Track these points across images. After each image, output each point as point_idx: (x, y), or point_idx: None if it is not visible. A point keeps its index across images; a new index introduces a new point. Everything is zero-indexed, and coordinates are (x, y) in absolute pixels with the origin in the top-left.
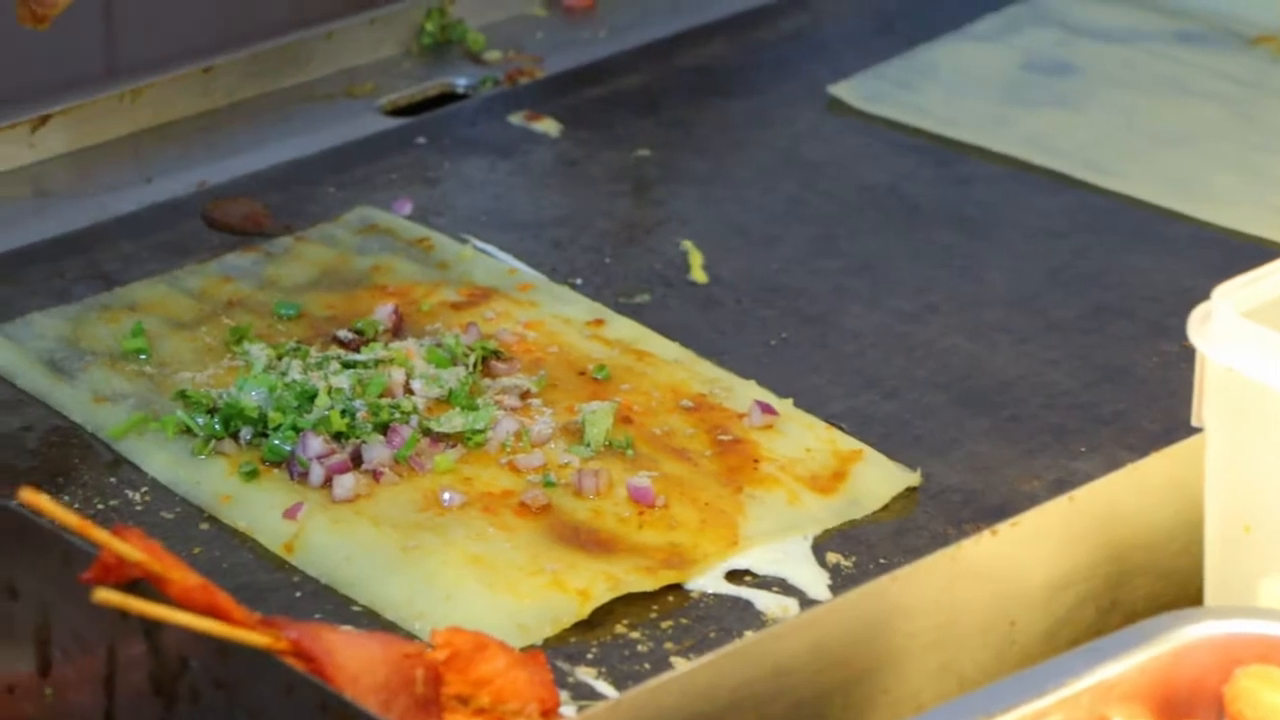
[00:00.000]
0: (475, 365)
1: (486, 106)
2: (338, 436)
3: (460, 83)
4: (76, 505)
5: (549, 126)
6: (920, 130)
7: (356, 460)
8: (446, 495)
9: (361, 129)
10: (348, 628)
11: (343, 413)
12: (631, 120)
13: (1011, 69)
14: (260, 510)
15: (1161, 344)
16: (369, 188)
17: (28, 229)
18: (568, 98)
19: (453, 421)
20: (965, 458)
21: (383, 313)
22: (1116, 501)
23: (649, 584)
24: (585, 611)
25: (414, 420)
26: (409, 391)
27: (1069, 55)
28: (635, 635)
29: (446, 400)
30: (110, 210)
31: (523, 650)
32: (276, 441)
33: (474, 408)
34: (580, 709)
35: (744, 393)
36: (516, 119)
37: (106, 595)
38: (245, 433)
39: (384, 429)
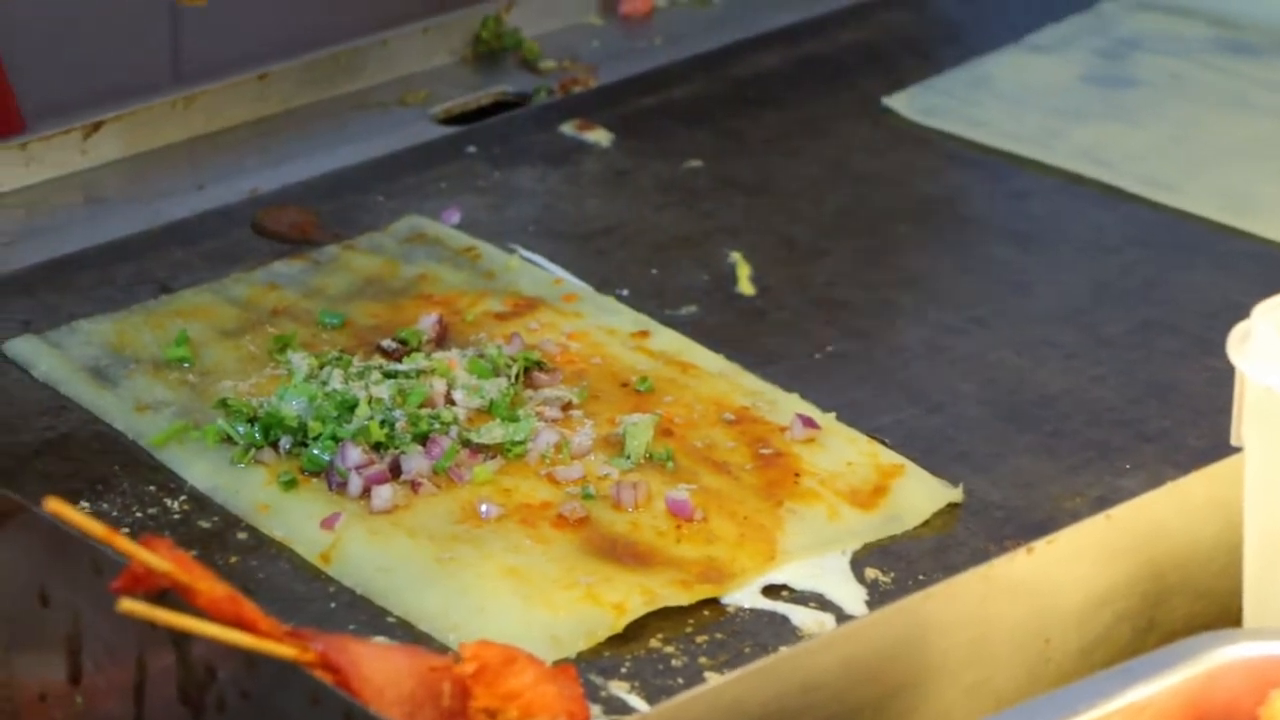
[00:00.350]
0: (517, 376)
1: (539, 115)
2: (377, 447)
3: (514, 91)
4: (115, 513)
5: (600, 136)
6: (974, 143)
7: (395, 471)
8: (484, 507)
9: (413, 137)
10: (382, 638)
11: (382, 423)
12: (683, 130)
13: (1069, 81)
14: (298, 520)
15: (1210, 360)
16: (418, 196)
17: (79, 235)
18: (620, 107)
19: (492, 433)
20: (1008, 474)
21: (426, 322)
22: (1156, 520)
23: (685, 598)
24: (620, 625)
25: (453, 431)
26: (450, 402)
27: (1127, 68)
28: (670, 650)
29: (488, 411)
30: (162, 217)
31: (554, 664)
32: (316, 451)
33: (515, 419)
34: None
35: (787, 406)
36: (568, 128)
37: (131, 606)
38: (285, 442)
39: (423, 439)
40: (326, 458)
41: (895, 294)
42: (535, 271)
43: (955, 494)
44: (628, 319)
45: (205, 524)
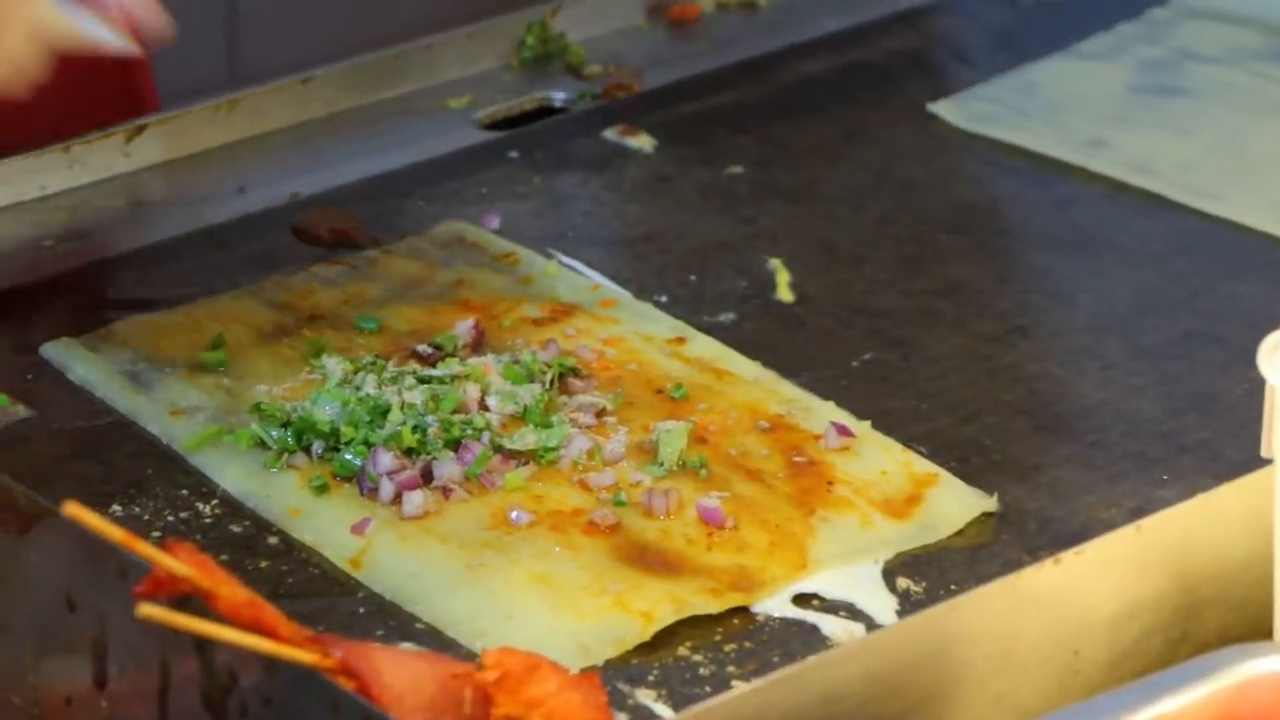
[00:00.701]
0: (552, 382)
1: (581, 121)
2: (409, 452)
3: (558, 97)
4: (147, 517)
5: (643, 142)
6: (1020, 150)
7: (427, 476)
8: (515, 514)
9: (455, 142)
10: (410, 644)
11: (415, 428)
12: (727, 136)
13: (1117, 89)
14: (328, 524)
15: (1251, 372)
16: (459, 201)
17: (120, 237)
18: (664, 113)
19: (525, 439)
20: (1045, 484)
21: (463, 328)
22: (1187, 531)
23: (714, 606)
24: (648, 633)
25: (486, 437)
26: (484, 408)
27: (1176, 76)
28: (698, 658)
29: (521, 417)
30: (202, 220)
31: (581, 671)
32: (348, 456)
33: (548, 425)
34: None
35: (822, 414)
36: (611, 134)
37: (150, 610)
38: (318, 447)
39: (455, 445)
40: (358, 463)
41: (935, 302)
42: (573, 277)
43: (990, 503)
44: (664, 325)
45: (236, 528)
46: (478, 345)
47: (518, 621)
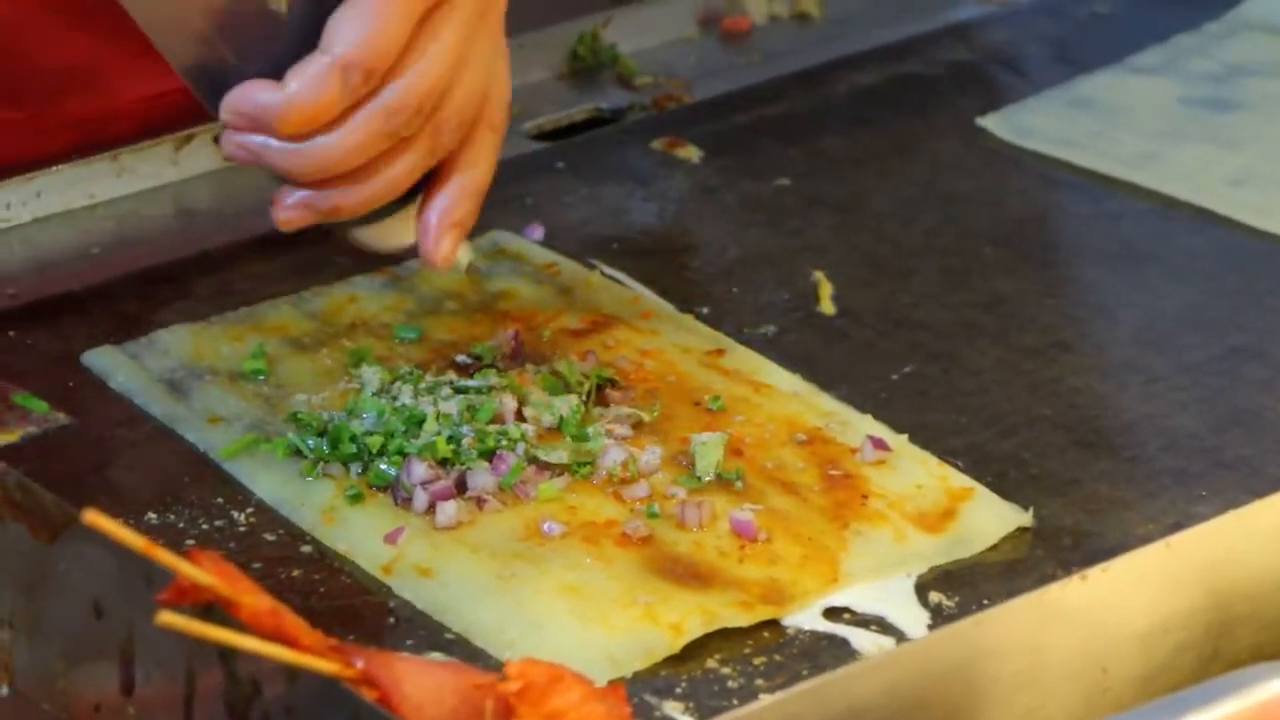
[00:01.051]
0: (590, 394)
1: (630, 132)
2: (444, 463)
3: (607, 107)
4: (181, 524)
5: (690, 153)
6: (1069, 164)
7: (461, 487)
8: (547, 525)
9: (503, 153)
10: (438, 654)
11: (449, 439)
12: (774, 148)
13: (1169, 103)
14: (361, 534)
15: None
16: (503, 212)
17: (166, 247)
18: (712, 124)
19: (560, 450)
20: (1082, 499)
21: (502, 338)
22: (1220, 548)
23: (744, 619)
24: (677, 646)
25: (520, 448)
26: (520, 419)
27: (1229, 90)
28: (727, 671)
29: (557, 428)
30: (247, 230)
31: (607, 683)
32: (382, 466)
33: (584, 437)
34: None
35: (860, 427)
36: (658, 145)
37: (170, 618)
38: (352, 457)
39: (490, 456)
40: (393, 473)
41: (978, 316)
42: (615, 288)
43: (1025, 518)
44: (704, 337)
45: (270, 536)
46: (517, 356)
47: (546, 632)
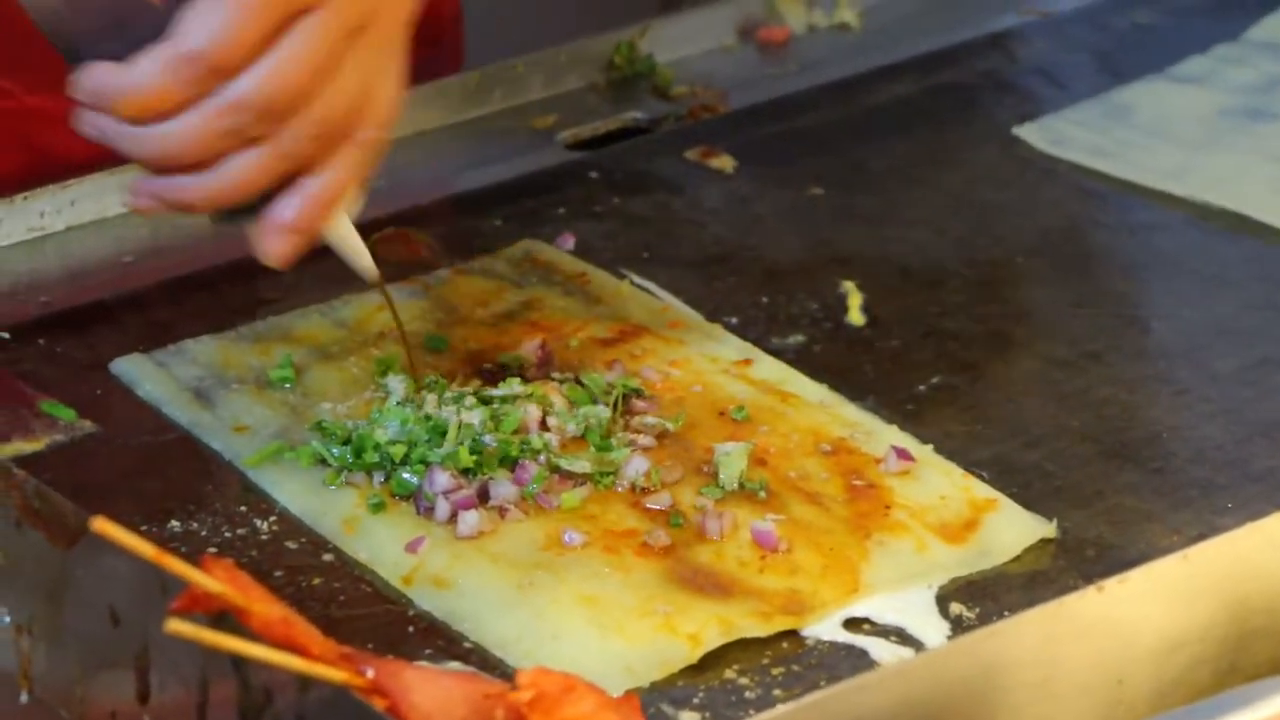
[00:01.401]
0: (615, 404)
1: (664, 141)
2: (466, 472)
3: (643, 117)
4: (204, 533)
5: (724, 163)
6: (1104, 174)
7: (483, 497)
8: (568, 535)
9: (536, 162)
10: (456, 664)
11: (472, 448)
12: (808, 158)
13: (1207, 113)
14: (382, 542)
15: None
16: (536, 221)
17: (199, 255)
18: (747, 134)
19: (583, 460)
20: (1106, 511)
21: (529, 347)
22: (1238, 560)
23: (762, 629)
24: (695, 656)
25: (543, 458)
26: (545, 428)
27: (1269, 100)
28: (744, 681)
29: (582, 438)
30: None
31: (623, 693)
32: (405, 475)
33: (608, 447)
34: None
35: (885, 437)
36: (692, 155)
37: (178, 626)
38: (375, 465)
39: (513, 466)
40: (415, 482)
41: (1007, 326)
42: (644, 298)
43: (1048, 529)
44: (732, 347)
45: (293, 545)
46: (544, 365)
47: (564, 642)
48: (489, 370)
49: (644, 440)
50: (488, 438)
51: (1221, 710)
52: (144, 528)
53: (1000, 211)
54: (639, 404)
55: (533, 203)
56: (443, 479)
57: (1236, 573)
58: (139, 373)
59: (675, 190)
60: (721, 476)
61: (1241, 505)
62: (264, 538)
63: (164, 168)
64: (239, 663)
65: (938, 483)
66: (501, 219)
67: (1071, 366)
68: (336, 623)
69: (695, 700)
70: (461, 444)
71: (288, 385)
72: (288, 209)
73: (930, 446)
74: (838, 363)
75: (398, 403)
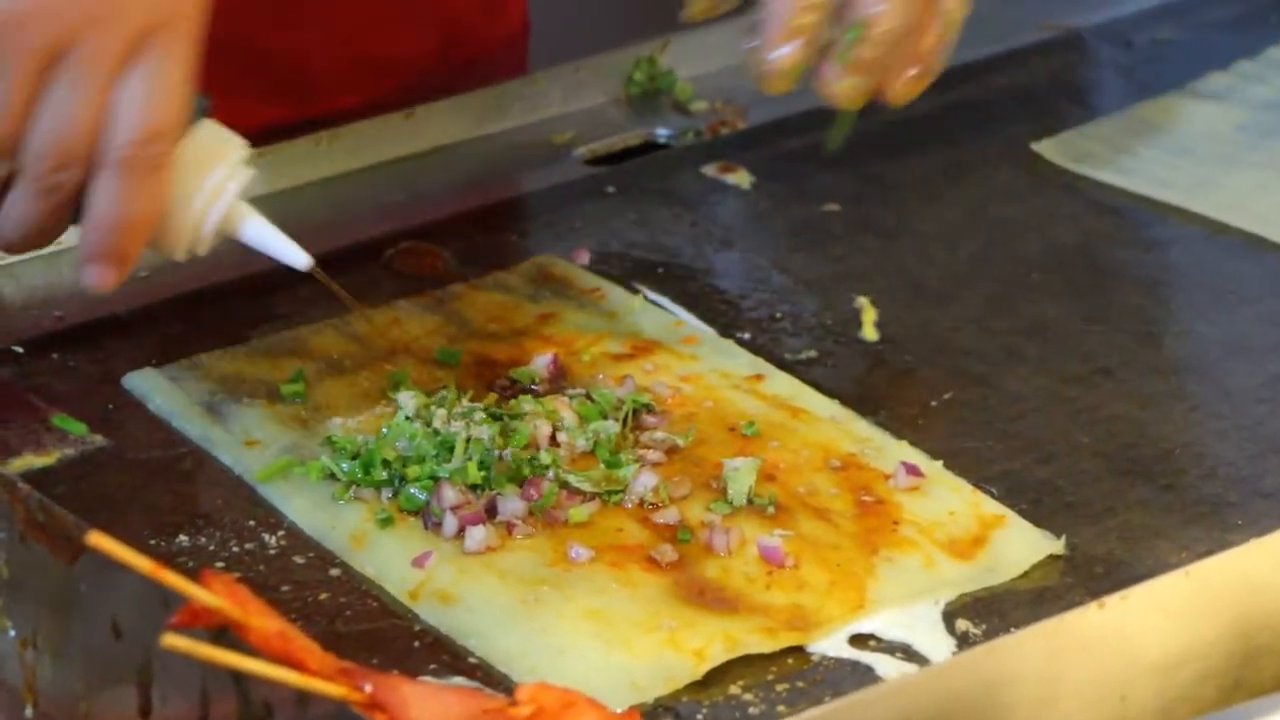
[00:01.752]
0: (625, 419)
1: (682, 157)
2: (474, 488)
3: (662, 133)
4: (212, 547)
5: (741, 178)
6: (1120, 190)
7: (491, 512)
8: (575, 550)
9: (555, 177)
10: (460, 679)
11: (481, 464)
12: (825, 173)
13: (1226, 130)
14: (389, 557)
15: None
16: (552, 236)
17: (212, 269)
18: (765, 149)
19: (592, 476)
20: (1115, 527)
21: (541, 362)
22: (1243, 577)
23: (768, 645)
24: (700, 672)
25: (551, 474)
26: (554, 444)
27: None
28: (749, 697)
29: (591, 453)
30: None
31: (627, 709)
32: (413, 490)
33: (617, 463)
34: None
35: (895, 453)
36: (710, 170)
37: (174, 641)
38: (384, 480)
39: (521, 481)
40: (423, 497)
41: (1020, 342)
42: (657, 313)
43: (1056, 546)
44: (744, 362)
45: (300, 559)
46: (556, 380)
47: (568, 657)
48: (501, 385)
49: (653, 455)
50: (496, 453)
51: None
52: (152, 542)
53: (1016, 227)
54: (649, 419)
55: (549, 218)
56: (450, 494)
57: (1242, 589)
58: (151, 387)
59: (691, 205)
60: (730, 492)
61: (1252, 522)
62: (272, 552)
63: None
64: (239, 678)
65: (947, 499)
66: (518, 234)
67: (1084, 382)
68: (342, 638)
69: (699, 716)
70: (470, 459)
71: (299, 400)
72: (84, 242)
73: (940, 462)
74: (850, 378)
75: (407, 418)
